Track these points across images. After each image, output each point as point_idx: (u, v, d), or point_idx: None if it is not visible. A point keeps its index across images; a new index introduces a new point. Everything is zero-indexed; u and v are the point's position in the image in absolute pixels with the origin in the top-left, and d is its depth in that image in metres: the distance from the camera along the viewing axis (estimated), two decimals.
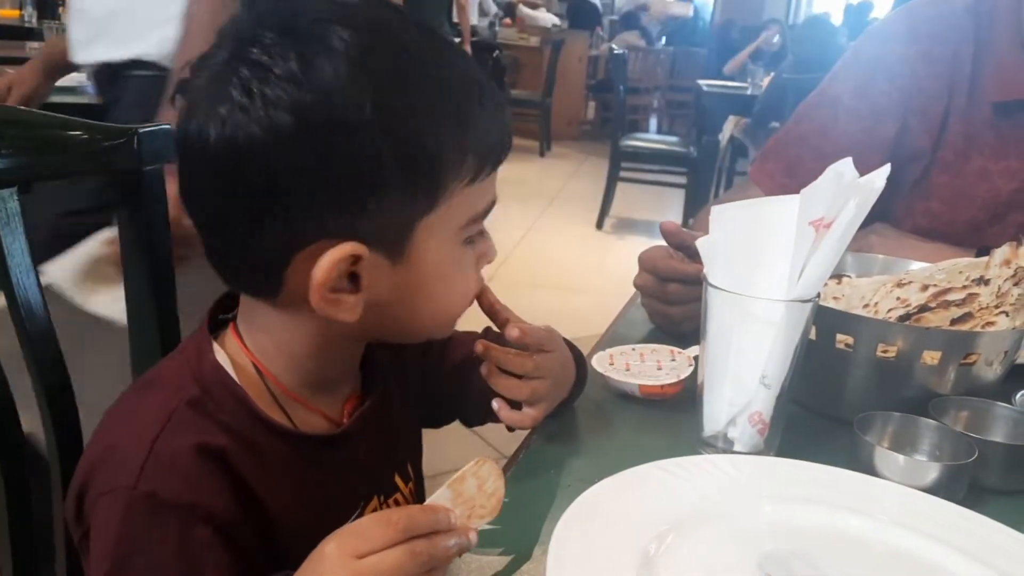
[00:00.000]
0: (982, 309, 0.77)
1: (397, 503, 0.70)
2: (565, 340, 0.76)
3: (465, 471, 0.51)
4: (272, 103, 0.51)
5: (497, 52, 7.14)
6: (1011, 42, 1.13)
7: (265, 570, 0.56)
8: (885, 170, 0.67)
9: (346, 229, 0.54)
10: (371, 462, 0.67)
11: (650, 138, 5.55)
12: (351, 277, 0.55)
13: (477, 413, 0.80)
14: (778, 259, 0.67)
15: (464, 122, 0.56)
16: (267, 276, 0.56)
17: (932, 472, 0.63)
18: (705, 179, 4.96)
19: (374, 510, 0.67)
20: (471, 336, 0.79)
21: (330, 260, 0.54)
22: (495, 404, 0.70)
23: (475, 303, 0.67)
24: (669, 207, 5.17)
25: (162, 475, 0.53)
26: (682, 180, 5.09)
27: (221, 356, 0.60)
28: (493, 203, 0.61)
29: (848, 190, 0.65)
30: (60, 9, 5.41)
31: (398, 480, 0.71)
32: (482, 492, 0.51)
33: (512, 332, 0.69)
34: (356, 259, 0.54)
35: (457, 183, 0.56)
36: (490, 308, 0.71)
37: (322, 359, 0.61)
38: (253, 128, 0.51)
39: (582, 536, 0.53)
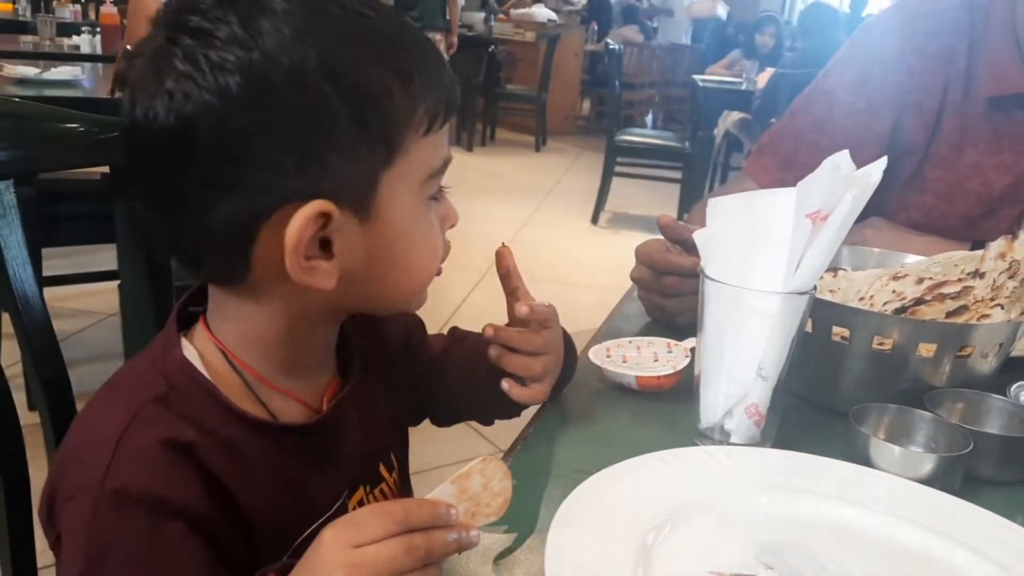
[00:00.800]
0: (977, 302, 0.77)
1: (383, 492, 0.70)
2: None
3: (470, 468, 0.50)
4: (219, 67, 0.50)
5: (492, 47, 7.14)
6: (1006, 37, 1.13)
7: (246, 562, 0.55)
8: (882, 163, 0.67)
9: (310, 188, 0.53)
10: (354, 451, 0.66)
11: (645, 133, 5.55)
12: (322, 244, 0.55)
13: (447, 414, 0.82)
14: (775, 251, 0.67)
15: (409, 72, 0.55)
16: (234, 256, 0.55)
17: (928, 463, 0.64)
18: (700, 174, 4.96)
19: (360, 500, 0.67)
20: (441, 336, 0.82)
21: (301, 220, 0.53)
22: (505, 384, 0.71)
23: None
24: (664, 202, 5.17)
25: (129, 471, 0.52)
26: (677, 175, 5.10)
27: (189, 351, 0.59)
28: (448, 160, 0.61)
29: (845, 183, 0.65)
30: (54, 3, 5.40)
31: (383, 470, 0.70)
32: (488, 491, 0.50)
33: (521, 309, 0.71)
34: (326, 220, 0.54)
35: (412, 135, 0.56)
36: (506, 272, 0.72)
37: (295, 343, 0.61)
38: (203, 95, 0.50)
39: (580, 527, 0.53)
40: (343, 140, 0.53)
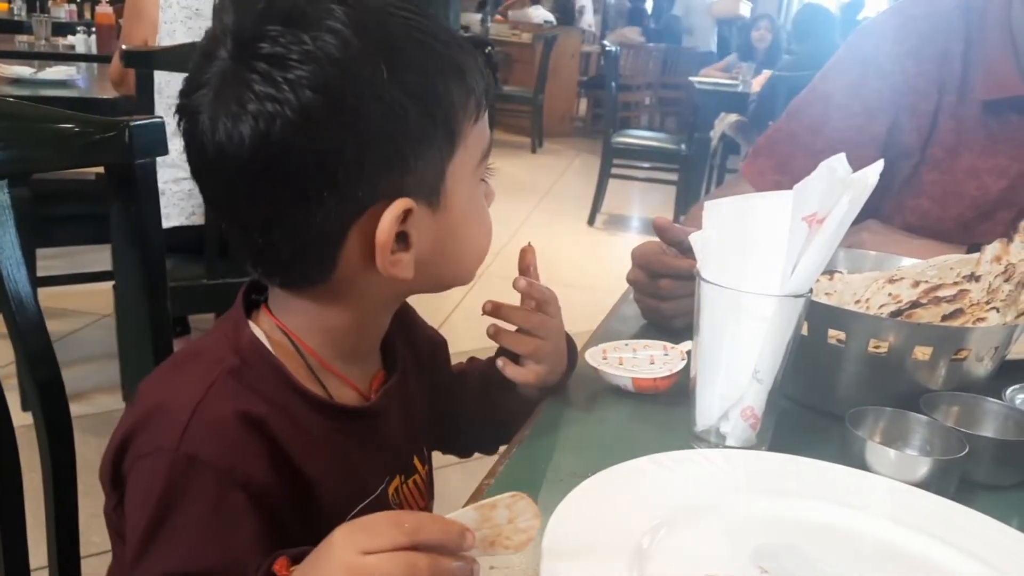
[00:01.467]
0: (973, 305, 0.77)
1: (416, 484, 0.73)
2: None
3: (497, 500, 0.48)
4: (298, 84, 0.53)
5: (489, 48, 7.14)
6: (1001, 40, 1.14)
7: (297, 537, 0.56)
8: (879, 166, 0.67)
9: (394, 188, 0.57)
10: (395, 440, 0.70)
11: (642, 135, 5.55)
12: (399, 236, 0.59)
13: (457, 436, 0.85)
14: (771, 254, 0.67)
15: (459, 65, 0.60)
16: (322, 260, 0.59)
17: (923, 467, 0.64)
18: (696, 176, 4.97)
19: (396, 488, 0.70)
20: (460, 363, 0.86)
21: (390, 219, 0.57)
22: (499, 362, 0.75)
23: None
24: (661, 204, 5.18)
25: (203, 439, 0.55)
26: (673, 177, 5.10)
27: (257, 331, 0.63)
28: (491, 141, 0.66)
29: (841, 185, 0.65)
30: (49, 3, 5.38)
31: (416, 462, 0.74)
32: (512, 525, 0.49)
33: (520, 283, 0.74)
34: (407, 215, 0.58)
35: (467, 123, 0.61)
36: (525, 269, 0.75)
37: (359, 331, 0.65)
38: (287, 113, 0.53)
39: (575, 530, 0.53)
40: (418, 139, 0.57)
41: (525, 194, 5.58)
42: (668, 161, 5.10)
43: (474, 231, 0.65)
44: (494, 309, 0.74)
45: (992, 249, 0.80)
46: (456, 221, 0.63)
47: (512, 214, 4.98)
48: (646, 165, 5.26)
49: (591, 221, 5.06)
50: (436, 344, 0.84)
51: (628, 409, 0.78)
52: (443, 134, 0.59)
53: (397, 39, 0.57)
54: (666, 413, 0.76)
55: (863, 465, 0.65)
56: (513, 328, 0.75)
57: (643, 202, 5.81)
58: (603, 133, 5.26)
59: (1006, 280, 0.77)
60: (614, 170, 5.06)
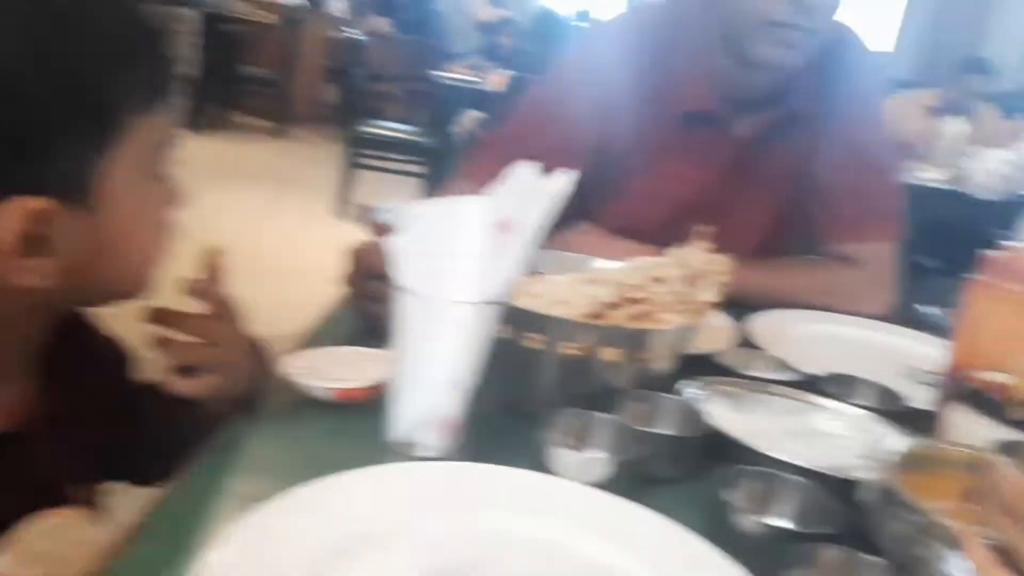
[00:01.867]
0: (657, 307, 0.82)
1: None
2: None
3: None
4: None
5: (232, 26, 6.73)
6: (698, 55, 1.23)
7: None
8: (569, 175, 0.68)
9: (23, 184, 0.50)
10: (46, 471, 0.61)
11: (388, 126, 5.50)
12: (39, 240, 0.51)
13: (131, 464, 0.77)
14: (466, 260, 0.66)
15: (129, 51, 0.56)
16: None
17: (603, 467, 0.66)
18: (441, 170, 5.02)
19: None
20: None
21: (10, 219, 0.50)
22: (165, 376, 0.67)
23: None
24: (410, 196, 5.18)
25: None
26: (421, 169, 5.12)
27: None
28: (172, 137, 0.62)
29: (533, 192, 0.66)
30: None
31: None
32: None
33: (194, 287, 0.67)
34: (40, 216, 0.50)
35: (134, 115, 0.56)
36: (214, 272, 0.69)
37: None
38: None
39: (238, 565, 0.48)
40: (57, 131, 0.51)
41: (265, 182, 5.33)
42: (415, 154, 5.10)
43: (140, 236, 0.60)
44: (157, 316, 0.66)
45: (675, 254, 0.86)
46: (116, 224, 0.57)
47: (251, 202, 4.73)
48: (397, 156, 5.23)
49: (335, 212, 4.94)
50: (116, 357, 0.76)
51: (327, 422, 0.74)
52: (97, 126, 0.53)
53: (55, 23, 0.51)
54: (370, 424, 0.73)
55: (552, 469, 0.66)
56: (184, 337, 0.68)
57: (392, 194, 5.77)
58: (349, 122, 5.15)
59: (686, 283, 0.83)
60: (364, 160, 4.98)
